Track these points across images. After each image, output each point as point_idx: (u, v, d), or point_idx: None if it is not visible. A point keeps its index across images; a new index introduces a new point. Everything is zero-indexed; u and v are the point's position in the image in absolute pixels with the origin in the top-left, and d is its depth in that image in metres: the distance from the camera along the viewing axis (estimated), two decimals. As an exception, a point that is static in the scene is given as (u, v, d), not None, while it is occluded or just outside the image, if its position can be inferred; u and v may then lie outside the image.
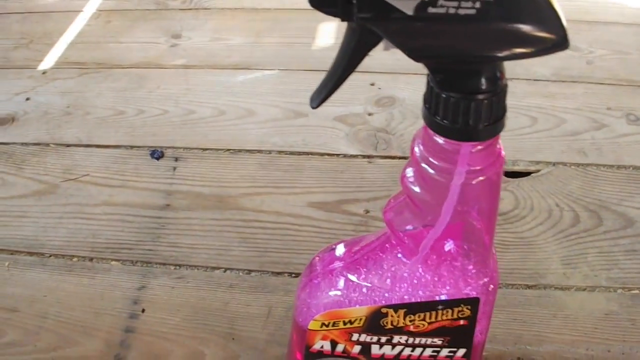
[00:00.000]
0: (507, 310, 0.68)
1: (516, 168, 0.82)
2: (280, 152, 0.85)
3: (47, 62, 1.04)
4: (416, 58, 0.37)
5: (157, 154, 0.85)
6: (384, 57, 0.96)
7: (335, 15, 0.36)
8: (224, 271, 0.72)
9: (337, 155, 0.84)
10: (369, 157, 0.84)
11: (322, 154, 0.85)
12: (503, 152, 0.43)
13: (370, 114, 0.90)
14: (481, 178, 0.42)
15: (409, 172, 0.44)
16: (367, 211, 0.77)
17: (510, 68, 0.95)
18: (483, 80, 0.38)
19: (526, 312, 0.68)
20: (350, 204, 0.78)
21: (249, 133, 0.88)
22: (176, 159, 0.84)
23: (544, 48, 0.37)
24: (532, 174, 0.81)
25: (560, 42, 0.37)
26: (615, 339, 0.66)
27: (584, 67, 0.97)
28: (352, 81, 0.93)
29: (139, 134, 0.89)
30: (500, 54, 0.37)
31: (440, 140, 0.41)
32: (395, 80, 0.95)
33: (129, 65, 1.02)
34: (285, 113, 0.90)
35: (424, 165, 0.42)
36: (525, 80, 0.95)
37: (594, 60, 0.99)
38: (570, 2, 1.11)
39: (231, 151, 0.85)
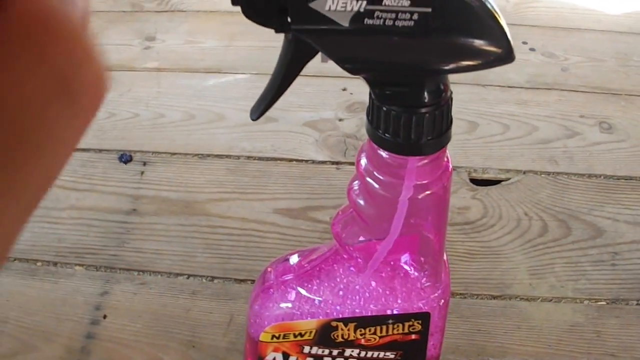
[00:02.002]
0: (471, 320, 0.67)
1: (486, 176, 0.82)
2: (248, 157, 0.84)
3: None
4: (352, 71, 0.36)
5: (125, 158, 0.84)
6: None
7: (269, 26, 0.35)
8: (187, 278, 0.71)
9: (306, 161, 0.84)
10: (337, 163, 0.83)
11: (290, 160, 0.84)
12: (450, 166, 0.42)
13: (340, 120, 0.89)
14: (428, 192, 0.41)
15: (355, 185, 0.44)
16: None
17: (484, 74, 0.95)
18: (425, 94, 0.37)
19: (490, 323, 0.67)
20: (316, 210, 0.77)
21: (218, 138, 0.87)
22: (144, 163, 0.84)
23: (487, 61, 0.36)
24: (502, 182, 0.81)
25: (504, 55, 0.36)
26: (580, 351, 0.65)
27: (558, 74, 0.97)
28: (324, 86, 0.93)
29: (109, 137, 0.88)
30: (440, 67, 0.36)
31: (384, 154, 0.40)
32: (367, 85, 0.94)
33: (102, 67, 1.01)
34: (255, 118, 0.90)
35: (369, 179, 0.42)
36: (499, 87, 0.94)
37: (569, 67, 0.98)
38: (547, 9, 1.11)
39: (199, 156, 0.85)
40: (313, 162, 0.84)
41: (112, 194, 0.80)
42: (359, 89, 0.93)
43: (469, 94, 0.92)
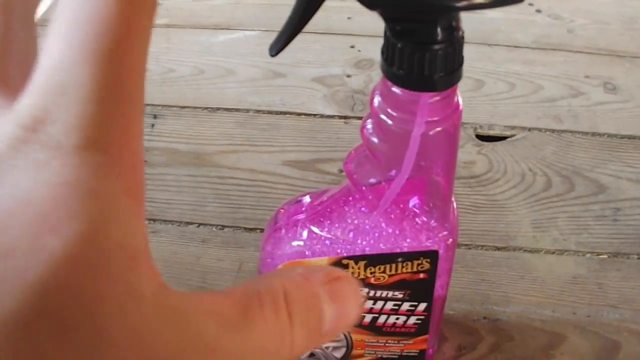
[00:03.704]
0: (475, 270, 0.69)
1: (491, 132, 0.83)
2: (257, 111, 0.85)
3: (31, 18, 1.04)
4: (370, 6, 0.37)
5: (135, 111, 0.85)
6: (365, 20, 0.97)
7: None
8: (198, 226, 0.73)
9: (314, 115, 0.85)
10: (345, 117, 0.84)
11: (299, 114, 0.85)
12: (461, 105, 0.43)
13: (348, 76, 0.90)
14: (439, 129, 0.43)
15: (369, 123, 0.45)
16: (341, 170, 0.77)
17: (491, 35, 0.96)
18: (438, 31, 0.38)
19: (495, 273, 0.68)
20: (324, 163, 0.79)
21: (227, 92, 0.88)
22: (155, 116, 0.85)
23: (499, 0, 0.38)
24: (507, 139, 0.82)
25: (516, -6, 0.37)
26: (581, 302, 0.66)
27: (564, 35, 0.98)
28: (332, 43, 0.94)
29: (119, 91, 0.89)
30: (455, 4, 0.37)
31: (397, 90, 0.41)
32: (375, 43, 0.94)
33: (112, 23, 1.01)
34: (264, 73, 0.91)
35: (382, 116, 0.43)
36: (505, 46, 0.95)
37: (574, 29, 0.99)
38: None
39: (209, 109, 0.86)
40: (321, 116, 0.85)
41: (123, 146, 0.81)
42: (367, 47, 0.94)
43: (476, 52, 0.93)
